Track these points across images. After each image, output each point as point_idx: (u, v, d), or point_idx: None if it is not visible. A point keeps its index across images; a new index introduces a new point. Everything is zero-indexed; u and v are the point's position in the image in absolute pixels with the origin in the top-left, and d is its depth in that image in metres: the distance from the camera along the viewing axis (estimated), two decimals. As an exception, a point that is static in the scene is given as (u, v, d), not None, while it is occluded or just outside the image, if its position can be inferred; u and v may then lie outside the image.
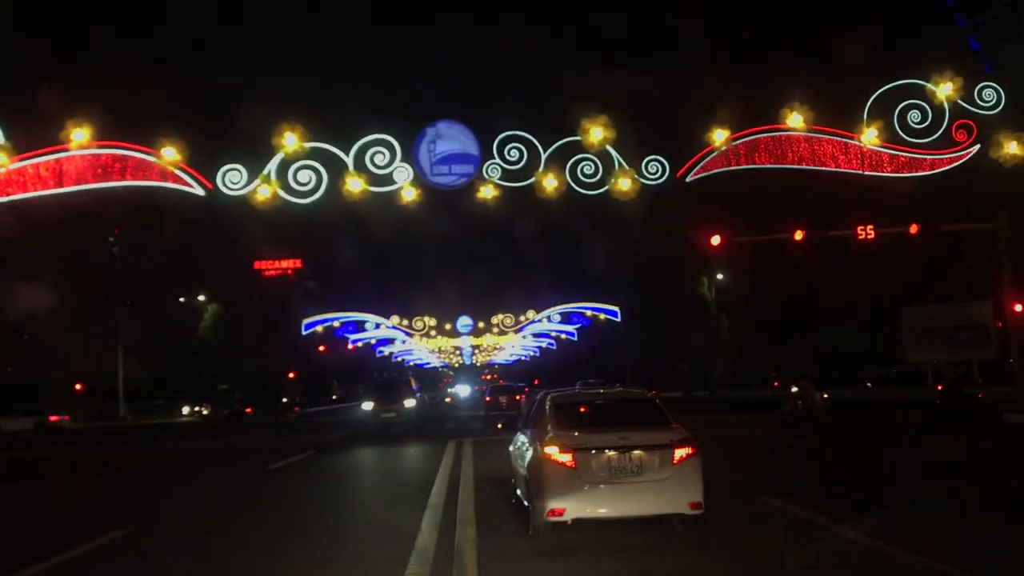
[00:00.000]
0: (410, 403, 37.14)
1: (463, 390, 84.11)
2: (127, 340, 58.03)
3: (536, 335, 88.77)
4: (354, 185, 23.18)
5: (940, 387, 29.80)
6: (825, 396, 32.74)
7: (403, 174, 23.48)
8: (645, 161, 23.71)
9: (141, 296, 60.29)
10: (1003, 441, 19.38)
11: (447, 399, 77.19)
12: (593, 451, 8.47)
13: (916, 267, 41.89)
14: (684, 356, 77.72)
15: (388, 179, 23.48)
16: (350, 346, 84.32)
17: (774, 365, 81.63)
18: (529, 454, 9.28)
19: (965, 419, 24.57)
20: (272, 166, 23.23)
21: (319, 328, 78.45)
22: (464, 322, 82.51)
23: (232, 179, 23.22)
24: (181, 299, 70.38)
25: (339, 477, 17.33)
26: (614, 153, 23.57)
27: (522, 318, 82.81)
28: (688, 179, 23.93)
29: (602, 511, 8.51)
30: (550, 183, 23.36)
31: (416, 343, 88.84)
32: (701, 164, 23.98)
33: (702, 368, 78.96)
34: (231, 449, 25.29)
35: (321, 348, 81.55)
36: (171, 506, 13.46)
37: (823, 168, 24.06)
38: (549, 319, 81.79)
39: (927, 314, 64.74)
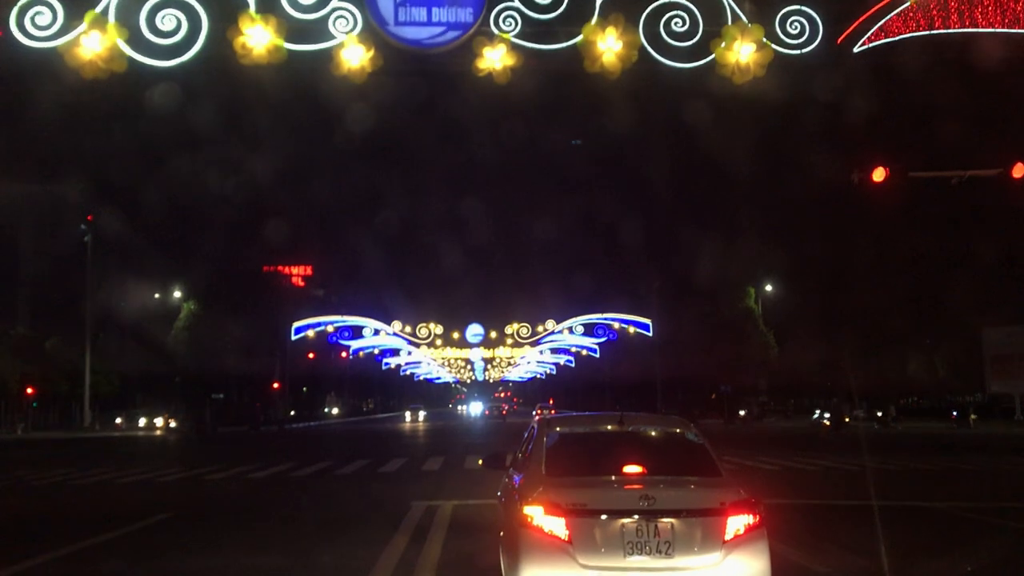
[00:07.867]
0: None
1: (476, 408, 75.34)
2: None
3: (554, 350, 78.87)
4: (256, 38, 12.86)
5: None
6: None
7: (346, 22, 13.16)
8: (780, 14, 13.28)
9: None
10: None
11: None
12: (601, 516, 5.47)
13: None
14: (727, 378, 67.89)
15: (319, 30, 13.21)
16: (344, 354, 74.86)
17: (827, 391, 71.64)
18: (506, 511, 6.41)
19: None
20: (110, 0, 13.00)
21: (310, 333, 70.37)
22: (474, 331, 72.84)
23: (39, 21, 13.05)
24: (156, 295, 63.90)
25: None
26: (726, -2, 13.16)
27: (540, 328, 72.89)
28: (856, 48, 13.43)
29: None
30: (609, 46, 12.95)
31: (423, 354, 79.21)
32: (879, 25, 13.48)
33: (744, 394, 69.58)
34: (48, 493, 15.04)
35: (310, 355, 72.52)
36: None
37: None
38: (571, 330, 71.86)
39: (1015, 337, 54.48)
